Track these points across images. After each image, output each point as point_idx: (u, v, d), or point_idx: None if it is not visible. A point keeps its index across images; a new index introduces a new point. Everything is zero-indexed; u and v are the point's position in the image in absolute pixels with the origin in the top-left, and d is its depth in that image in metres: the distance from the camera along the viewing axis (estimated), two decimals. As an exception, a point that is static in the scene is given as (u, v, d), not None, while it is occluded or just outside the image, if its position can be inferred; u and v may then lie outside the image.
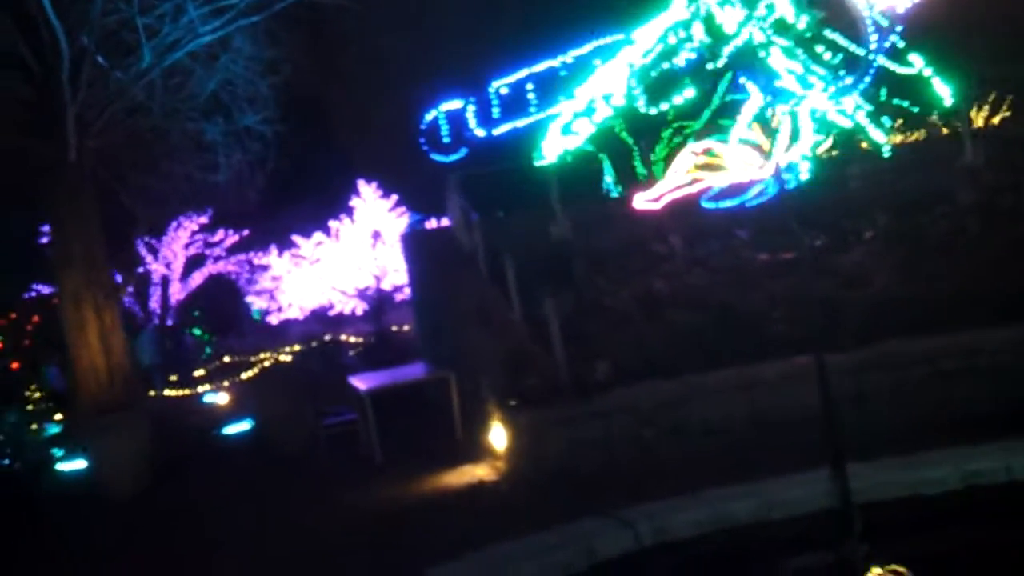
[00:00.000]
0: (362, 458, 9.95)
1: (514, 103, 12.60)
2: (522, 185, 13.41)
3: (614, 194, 13.55)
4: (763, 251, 10.71)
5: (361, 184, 23.03)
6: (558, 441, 8.04)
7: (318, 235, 22.86)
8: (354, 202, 22.85)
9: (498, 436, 8.66)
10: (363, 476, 9.22)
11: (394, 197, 23.25)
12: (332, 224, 22.80)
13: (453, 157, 12.80)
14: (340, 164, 25.66)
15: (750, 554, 5.73)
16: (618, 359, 8.77)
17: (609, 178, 13.91)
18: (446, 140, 12.70)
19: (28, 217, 18.32)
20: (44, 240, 19.74)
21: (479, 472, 8.59)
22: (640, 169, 13.58)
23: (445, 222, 16.56)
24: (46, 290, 20.65)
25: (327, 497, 8.64)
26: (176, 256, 24.10)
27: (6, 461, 11.08)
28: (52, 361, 16.16)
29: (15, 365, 18.01)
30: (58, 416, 13.05)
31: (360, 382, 10.62)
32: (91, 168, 12.71)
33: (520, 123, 12.61)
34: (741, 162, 11.64)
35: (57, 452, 11.12)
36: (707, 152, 11.62)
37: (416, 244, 14.24)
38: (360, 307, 22.97)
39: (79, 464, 10.62)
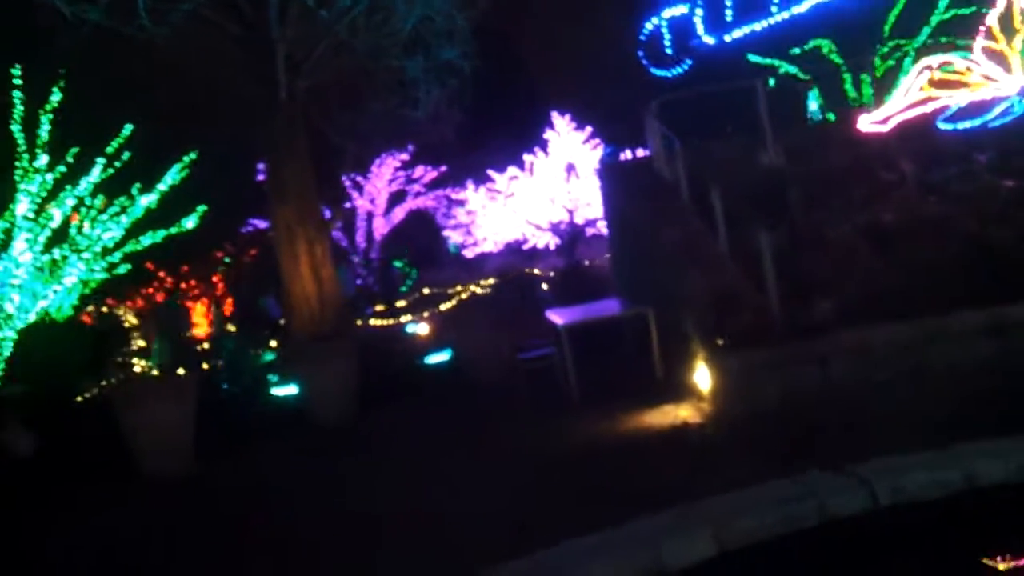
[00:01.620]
0: (559, 393, 9.81)
1: (751, 3, 11.56)
2: (727, 110, 12.62)
3: (818, 119, 12.48)
4: (1008, 177, 9.49)
5: (555, 116, 22.71)
6: (771, 385, 7.48)
7: (512, 169, 22.84)
8: (548, 135, 22.60)
9: (703, 377, 8.21)
10: (560, 412, 9.08)
11: (588, 129, 22.79)
12: (526, 158, 22.70)
13: (676, 71, 12.07)
14: (533, 97, 25.41)
15: (1006, 521, 5.01)
16: (840, 297, 8.03)
17: (814, 104, 12.83)
18: (668, 51, 11.91)
19: (245, 154, 19.37)
20: (260, 177, 20.90)
21: (682, 413, 8.19)
22: (851, 92, 12.40)
23: (642, 153, 15.97)
24: (262, 224, 21.88)
25: (524, 431, 8.57)
26: (379, 192, 24.86)
27: (225, 385, 11.80)
28: (268, 292, 17.11)
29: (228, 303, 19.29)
30: (273, 344, 13.77)
31: (557, 316, 10.42)
32: (302, 107, 13.14)
33: (758, 26, 11.57)
34: (983, 78, 10.32)
35: (272, 378, 11.70)
36: (944, 67, 10.37)
37: (612, 176, 13.77)
38: (553, 241, 22.86)
39: (291, 390, 11.12)
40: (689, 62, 11.73)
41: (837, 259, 8.79)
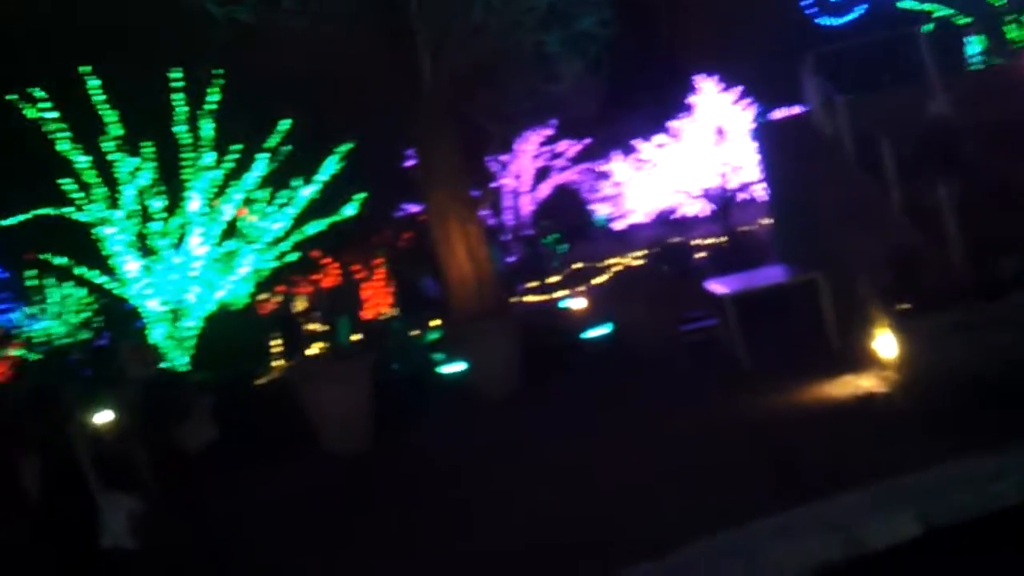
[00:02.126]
0: (726, 365, 9.53)
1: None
2: (884, 60, 11.86)
3: (981, 64, 11.49)
4: None
5: (700, 79, 22.06)
6: (962, 349, 6.97)
7: (659, 137, 22.37)
8: (694, 99, 21.98)
9: (886, 344, 7.74)
10: (730, 384, 8.80)
11: (737, 89, 22.03)
12: (672, 124, 22.18)
13: (848, 17, 11.44)
14: (675, 61, 24.78)
15: None
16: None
17: (976, 48, 11.83)
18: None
19: (395, 142, 19.83)
20: (408, 163, 21.36)
21: (864, 383, 7.77)
22: (1014, 33, 11.36)
23: (798, 110, 15.26)
24: (414, 209, 22.39)
25: (695, 405, 8.36)
26: (524, 169, 24.95)
27: (395, 365, 12.16)
28: (426, 273, 17.50)
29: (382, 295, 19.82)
30: (435, 323, 14.09)
31: (718, 286, 10.12)
32: (446, 92, 13.27)
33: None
34: None
35: (437, 356, 11.97)
36: None
37: (770, 135, 13.20)
38: (706, 208, 22.29)
39: (457, 368, 11.33)
40: (864, 7, 11.07)
41: (1022, 213, 8.08)
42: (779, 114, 19.28)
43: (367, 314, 19.22)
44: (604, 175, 25.14)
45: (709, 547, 4.27)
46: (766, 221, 16.61)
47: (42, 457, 5.49)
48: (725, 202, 21.39)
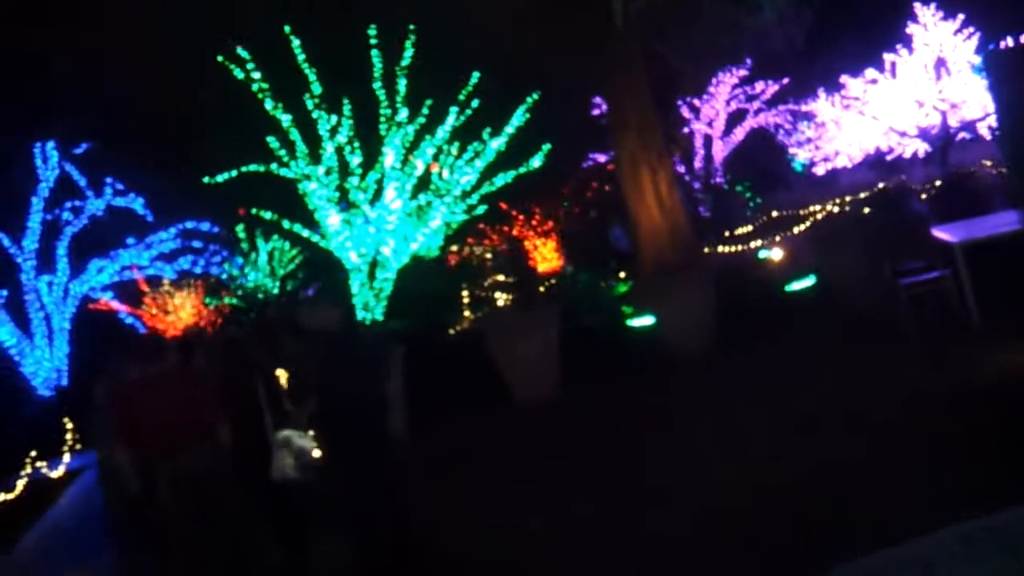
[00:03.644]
0: (953, 322, 8.56)
1: None
2: None
3: None
4: None
5: (917, 7, 20.06)
6: None
7: (870, 72, 20.64)
8: (911, 29, 20.05)
9: None
10: (959, 343, 7.87)
11: (960, 17, 19.88)
12: (886, 57, 20.37)
13: None
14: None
15: None
16: None
17: None
18: None
19: (581, 90, 19.41)
20: (595, 111, 20.88)
21: None
22: None
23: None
24: (601, 158, 21.95)
25: (920, 367, 7.52)
26: (717, 113, 23.84)
27: (583, 317, 11.91)
28: (614, 224, 17.11)
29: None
30: (623, 275, 13.72)
31: (947, 234, 9.10)
32: (637, 31, 12.70)
33: None
34: None
35: (626, 309, 11.61)
36: None
37: (1005, 65, 11.68)
38: (922, 149, 20.45)
39: (646, 321, 10.93)
40: None
41: None
42: (1007, 43, 17.18)
43: (553, 266, 19.12)
44: (805, 116, 23.60)
45: (956, 535, 3.65)
46: (989, 163, 15.00)
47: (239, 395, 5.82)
48: (945, 142, 19.49)
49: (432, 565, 5.57)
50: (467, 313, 14.92)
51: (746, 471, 5.99)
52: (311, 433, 5.91)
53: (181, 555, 5.20)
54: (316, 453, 5.87)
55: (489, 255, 20.15)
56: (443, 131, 15.44)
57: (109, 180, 18.85)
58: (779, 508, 5.19)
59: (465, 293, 15.53)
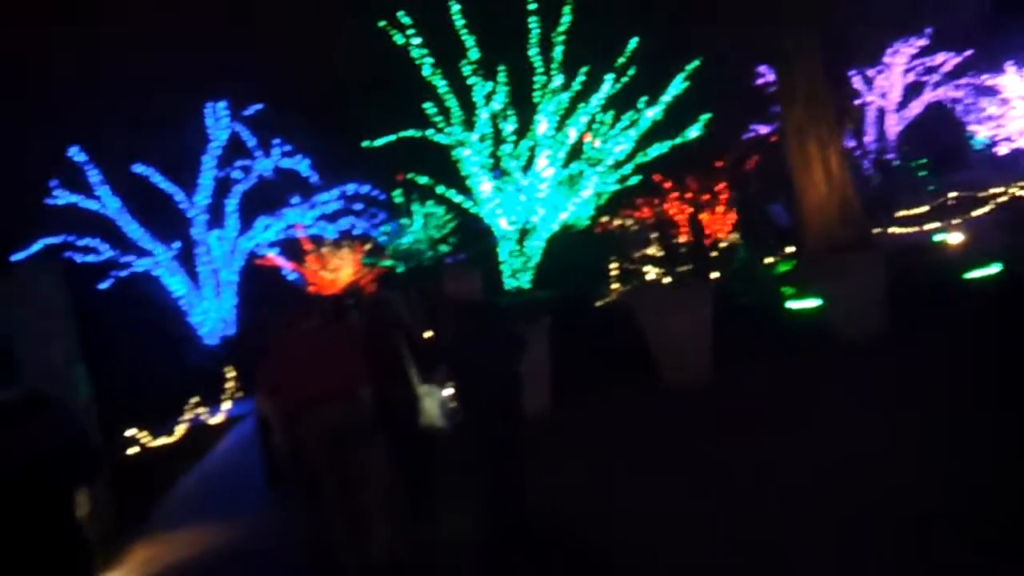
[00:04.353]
0: None
1: None
2: None
3: None
4: None
5: None
6: None
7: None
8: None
9: None
10: None
11: None
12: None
13: None
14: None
15: None
16: None
17: None
18: None
19: (744, 58, 18.61)
20: (760, 80, 19.99)
21: None
22: None
23: None
24: (763, 129, 21.05)
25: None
26: (892, 85, 22.37)
27: (740, 296, 11.42)
28: (775, 199, 16.36)
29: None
30: (785, 253, 13.07)
31: None
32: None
33: None
34: None
35: (787, 290, 11.03)
36: None
37: None
38: None
39: (809, 303, 10.34)
40: None
41: None
42: None
43: (710, 239, 18.52)
44: (989, 92, 21.81)
45: None
46: None
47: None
48: None
49: (562, 543, 5.44)
50: (615, 285, 14.67)
51: (904, 471, 5.48)
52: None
53: (325, 504, 5.30)
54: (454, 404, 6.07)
55: (639, 227, 19.75)
56: (598, 99, 15.15)
57: (277, 142, 19.63)
58: (952, 521, 4.71)
59: (614, 265, 15.27)
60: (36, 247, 16.66)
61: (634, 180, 15.91)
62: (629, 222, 20.11)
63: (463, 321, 5.56)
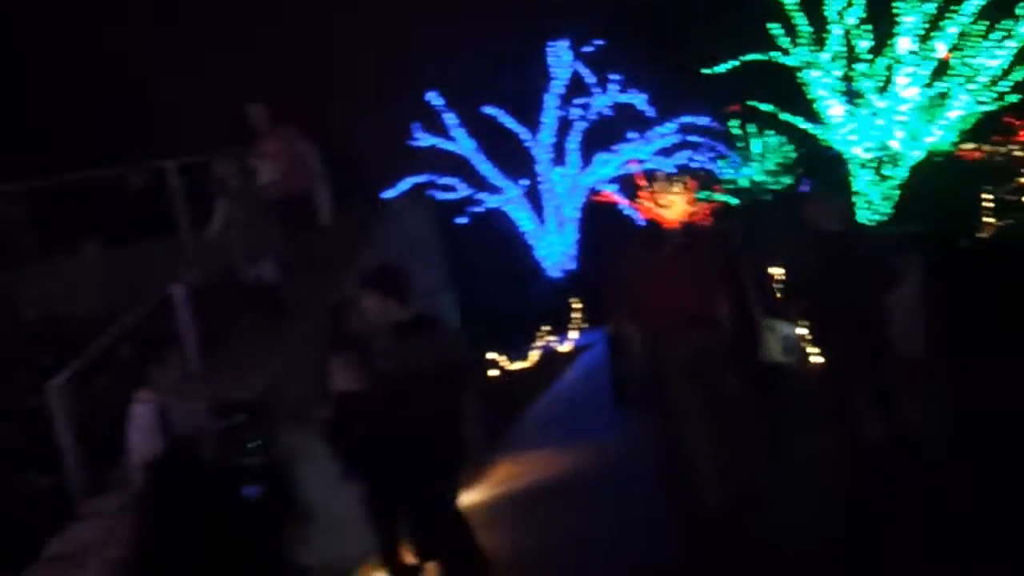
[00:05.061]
0: None
1: None
2: None
3: None
4: None
5: None
6: None
7: None
8: None
9: None
10: None
11: None
12: None
13: None
14: None
15: None
16: None
17: None
18: None
19: None
20: None
21: None
22: None
23: None
24: None
25: None
26: None
27: None
28: None
29: None
30: None
31: None
32: None
33: None
34: None
35: None
36: None
37: None
38: None
39: None
40: None
41: None
42: None
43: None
44: None
45: None
46: None
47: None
48: None
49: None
50: (990, 219, 13.05)
51: None
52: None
53: (683, 431, 5.35)
54: (800, 338, 5.99)
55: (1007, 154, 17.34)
56: (969, 7, 13.38)
57: (614, 77, 19.80)
58: None
59: (988, 196, 13.57)
60: (404, 186, 18.42)
61: (1012, 98, 13.96)
62: (1002, 149, 17.71)
63: (826, 253, 5.24)
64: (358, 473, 5.20)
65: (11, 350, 7.70)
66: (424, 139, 19.79)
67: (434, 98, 19.57)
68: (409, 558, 5.27)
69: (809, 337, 5.92)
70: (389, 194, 16.11)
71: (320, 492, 3.88)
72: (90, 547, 5.74)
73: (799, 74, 14.40)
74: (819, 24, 14.01)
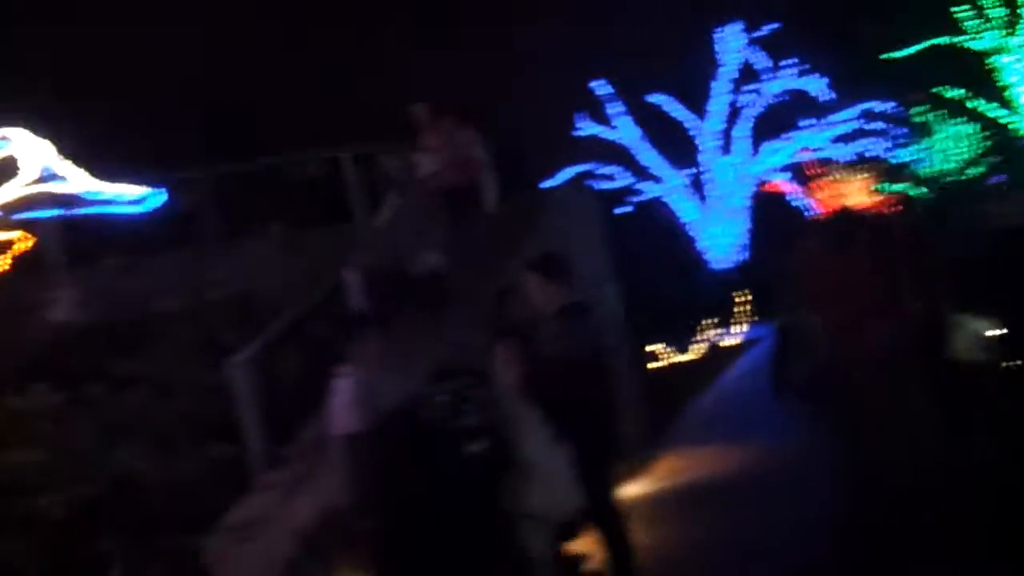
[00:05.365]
0: None
1: None
2: None
3: None
4: None
5: None
6: None
7: None
8: None
9: None
10: None
11: None
12: None
13: None
14: None
15: None
16: None
17: None
18: None
19: None
20: None
21: None
22: None
23: None
24: None
25: None
26: None
27: None
28: None
29: None
30: None
31: None
32: None
33: None
34: None
35: None
36: None
37: None
38: None
39: None
40: None
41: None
42: None
43: None
44: None
45: None
46: None
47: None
48: None
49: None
50: None
51: None
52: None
53: (862, 432, 5.09)
54: (993, 336, 5.59)
55: None
56: None
57: (787, 62, 18.96)
58: None
59: None
60: (565, 176, 18.34)
61: None
62: None
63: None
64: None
65: (196, 328, 8.22)
66: (586, 128, 19.66)
67: (600, 87, 19.40)
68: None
69: (1003, 336, 5.57)
70: (550, 183, 16.16)
71: (534, 451, 4.22)
72: (270, 517, 6.03)
73: (989, 59, 13.50)
74: (1012, 6, 13.13)
